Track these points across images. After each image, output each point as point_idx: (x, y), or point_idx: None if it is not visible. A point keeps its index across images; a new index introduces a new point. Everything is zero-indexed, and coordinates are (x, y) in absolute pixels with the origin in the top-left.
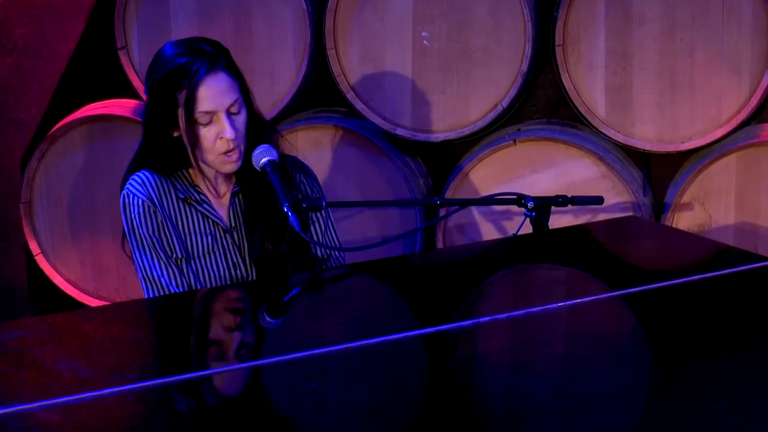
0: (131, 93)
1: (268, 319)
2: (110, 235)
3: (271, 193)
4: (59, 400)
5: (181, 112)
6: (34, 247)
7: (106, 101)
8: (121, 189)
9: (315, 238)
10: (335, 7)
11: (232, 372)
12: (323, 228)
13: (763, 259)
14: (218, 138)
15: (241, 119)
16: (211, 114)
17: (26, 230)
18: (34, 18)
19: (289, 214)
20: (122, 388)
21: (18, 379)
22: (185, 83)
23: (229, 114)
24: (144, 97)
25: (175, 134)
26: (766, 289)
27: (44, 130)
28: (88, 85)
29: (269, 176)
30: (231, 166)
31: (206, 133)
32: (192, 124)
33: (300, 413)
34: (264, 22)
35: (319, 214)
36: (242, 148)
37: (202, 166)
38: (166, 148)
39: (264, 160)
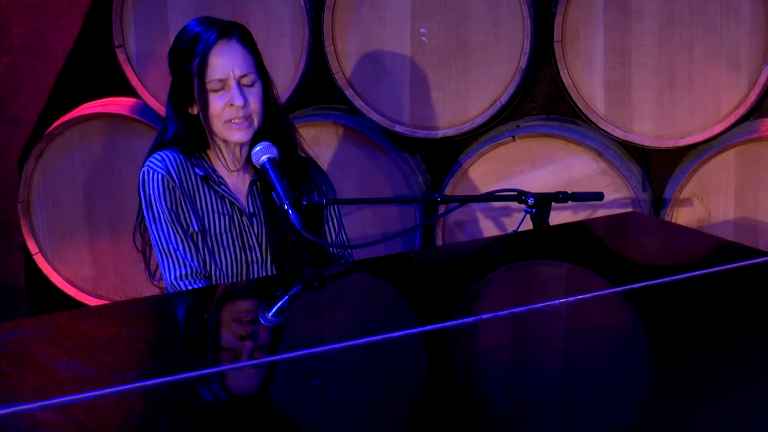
0: (129, 91)
1: (268, 317)
2: (108, 233)
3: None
4: (60, 400)
5: (195, 82)
6: (32, 246)
7: (103, 99)
8: (142, 167)
9: (330, 238)
10: (333, 4)
11: (233, 370)
12: (337, 228)
13: (764, 254)
14: (227, 105)
15: (254, 93)
16: (222, 82)
17: (24, 229)
18: (31, 16)
19: (290, 211)
20: (122, 387)
21: (18, 379)
22: (198, 50)
23: (240, 85)
24: (142, 95)
25: (194, 111)
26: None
27: (42, 129)
28: (85, 84)
29: (269, 173)
30: (239, 134)
31: (216, 102)
32: (204, 92)
33: (302, 411)
34: (262, 19)
35: (333, 214)
36: (255, 121)
37: (216, 140)
38: (185, 125)
39: (264, 158)
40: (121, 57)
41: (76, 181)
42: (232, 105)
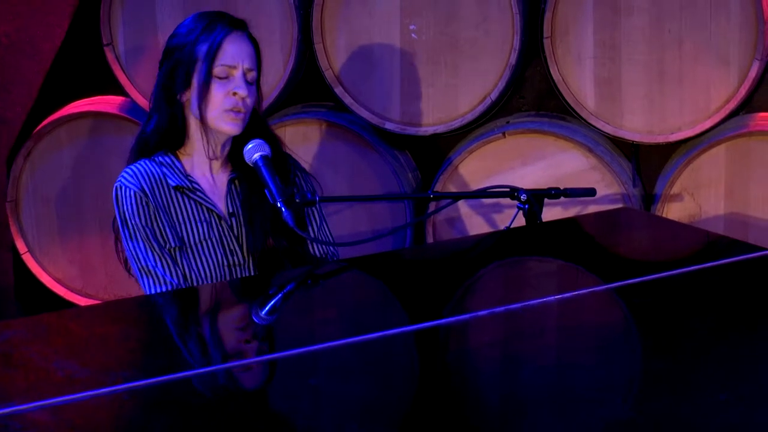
0: (118, 90)
1: (260, 316)
2: (97, 232)
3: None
4: (55, 400)
5: (199, 65)
6: (20, 245)
7: (92, 98)
8: (128, 163)
9: (311, 235)
10: (322, 0)
11: (227, 370)
12: (318, 224)
13: (756, 248)
14: (229, 93)
15: (253, 91)
16: (230, 69)
17: (13, 229)
18: (18, 15)
19: (283, 209)
20: (117, 387)
21: (12, 379)
22: (211, 37)
23: (244, 77)
24: (130, 93)
25: (182, 98)
26: (763, 278)
27: (30, 128)
28: (73, 82)
29: (262, 171)
30: (233, 125)
31: (218, 88)
32: (209, 76)
33: (295, 410)
34: (250, 16)
35: (315, 211)
36: (247, 117)
37: (201, 130)
38: (171, 115)
39: (257, 155)
40: (109, 55)
41: (65, 180)
42: (235, 93)
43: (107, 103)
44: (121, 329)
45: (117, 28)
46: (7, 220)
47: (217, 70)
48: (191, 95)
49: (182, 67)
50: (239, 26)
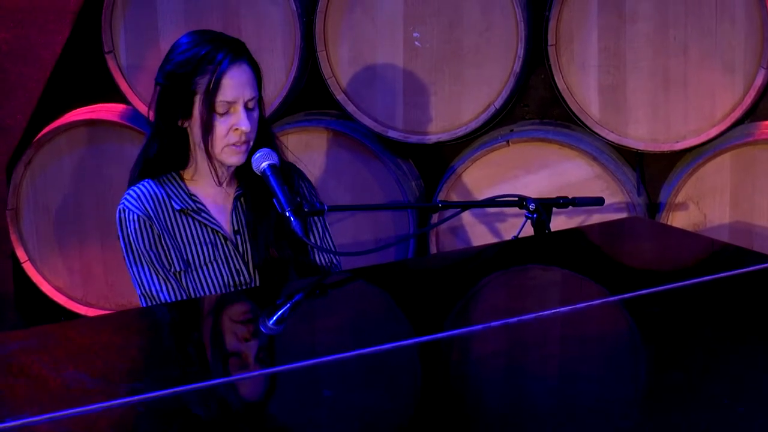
0: (119, 97)
1: (265, 327)
2: (98, 241)
3: (271, 197)
4: (65, 412)
5: (199, 98)
6: (21, 254)
7: (93, 106)
8: (129, 185)
9: (317, 243)
10: (325, 8)
11: (232, 381)
12: (321, 233)
13: (766, 258)
14: (232, 129)
15: (254, 116)
16: (230, 104)
17: (13, 237)
18: (18, 22)
19: (292, 218)
20: (125, 399)
21: (22, 391)
22: (209, 69)
23: (246, 108)
24: (132, 101)
25: (183, 124)
26: None
27: (30, 136)
28: (74, 90)
29: (270, 180)
30: (237, 158)
31: (220, 123)
32: (211, 112)
33: (300, 422)
34: (253, 23)
35: (318, 219)
36: (251, 144)
37: (204, 156)
38: (172, 137)
39: (265, 164)
40: (110, 63)
41: (66, 188)
42: (237, 129)
43: (108, 111)
44: (128, 340)
45: (118, 35)
46: (7, 228)
47: (218, 105)
48: (194, 125)
49: (181, 97)
50: (239, 54)
